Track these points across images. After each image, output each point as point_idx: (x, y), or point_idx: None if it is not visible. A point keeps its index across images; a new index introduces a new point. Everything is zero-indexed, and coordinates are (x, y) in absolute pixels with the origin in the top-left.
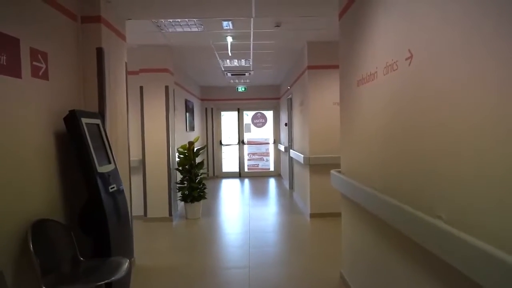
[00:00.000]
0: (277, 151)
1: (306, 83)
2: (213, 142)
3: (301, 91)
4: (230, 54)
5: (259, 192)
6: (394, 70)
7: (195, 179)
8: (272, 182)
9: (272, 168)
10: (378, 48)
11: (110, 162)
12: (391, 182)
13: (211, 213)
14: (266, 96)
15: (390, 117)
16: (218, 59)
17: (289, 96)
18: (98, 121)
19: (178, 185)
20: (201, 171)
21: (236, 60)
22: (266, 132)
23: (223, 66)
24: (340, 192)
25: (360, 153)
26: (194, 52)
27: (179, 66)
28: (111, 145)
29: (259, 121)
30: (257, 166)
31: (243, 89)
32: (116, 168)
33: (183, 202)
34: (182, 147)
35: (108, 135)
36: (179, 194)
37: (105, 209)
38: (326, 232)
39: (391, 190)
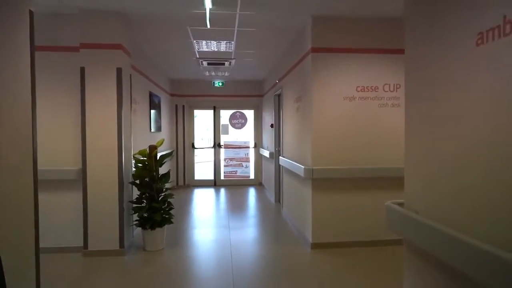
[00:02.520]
0: (258, 156)
1: (308, 71)
2: (184, 145)
3: (299, 83)
4: (208, 26)
5: (239, 207)
6: None
7: (157, 196)
8: (252, 192)
9: (252, 176)
10: None
11: None
12: None
13: (179, 241)
14: (247, 93)
15: None
16: (192, 39)
17: (278, 92)
18: None
19: (133, 205)
20: (167, 185)
21: (214, 43)
22: (246, 135)
23: (198, 51)
24: (407, 243)
25: (475, 183)
26: (159, 25)
27: (140, 47)
28: None
29: (238, 122)
30: (235, 173)
31: (220, 84)
32: None
33: (140, 228)
34: (140, 152)
35: None
36: (135, 217)
37: None
38: (341, 279)
39: None
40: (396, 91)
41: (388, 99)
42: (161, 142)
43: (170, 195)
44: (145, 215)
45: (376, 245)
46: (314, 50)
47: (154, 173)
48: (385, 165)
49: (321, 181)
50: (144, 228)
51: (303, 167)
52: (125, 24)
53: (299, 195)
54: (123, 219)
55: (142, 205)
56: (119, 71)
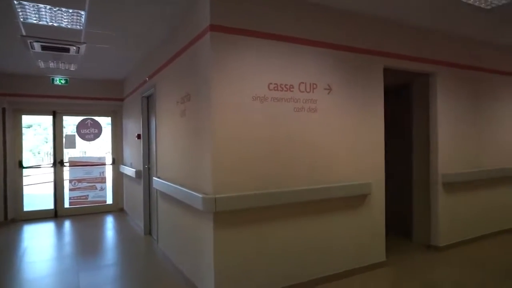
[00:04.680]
0: (118, 175)
1: (204, 57)
2: (7, 164)
3: (187, 77)
4: None
5: (94, 248)
6: None
7: None
8: (112, 223)
9: (110, 201)
10: None
11: None
12: None
13: None
14: (101, 95)
15: None
16: None
17: (148, 93)
18: None
19: None
20: None
21: (51, 12)
22: (100, 148)
23: (25, 24)
24: None
25: None
26: None
27: None
28: None
29: (89, 132)
30: (86, 199)
31: (63, 81)
32: None
33: None
34: None
35: None
36: None
37: None
38: None
39: None
40: (313, 92)
41: (304, 101)
42: None
43: None
44: None
45: (311, 285)
46: (214, 28)
47: None
48: (311, 186)
49: (228, 214)
50: None
51: (200, 196)
52: None
53: (189, 233)
54: None
55: None
56: None
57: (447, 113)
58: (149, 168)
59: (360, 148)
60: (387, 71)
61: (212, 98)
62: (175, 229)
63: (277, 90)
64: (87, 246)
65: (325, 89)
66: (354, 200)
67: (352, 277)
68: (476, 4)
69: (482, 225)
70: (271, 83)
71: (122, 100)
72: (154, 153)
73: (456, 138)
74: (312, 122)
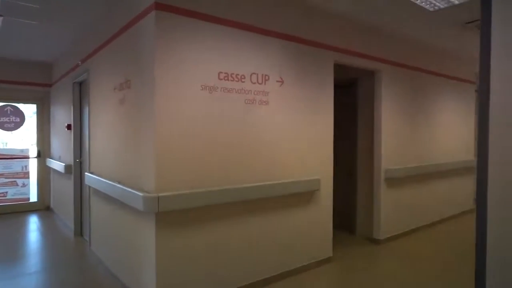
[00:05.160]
0: (44, 170)
1: (147, 39)
2: None
3: (126, 60)
4: None
5: (12, 254)
6: None
7: None
8: (35, 224)
9: (34, 198)
10: None
11: None
12: None
13: None
14: (25, 79)
15: None
16: None
17: (81, 78)
18: None
19: None
20: None
21: None
22: (23, 139)
23: None
24: None
25: None
26: None
27: None
28: None
29: (9, 120)
30: (4, 196)
31: None
32: None
33: None
34: None
35: None
36: None
37: None
38: None
39: None
40: (265, 84)
41: (255, 93)
42: None
43: None
44: None
45: (259, 285)
46: (160, 6)
47: None
48: (262, 182)
49: (172, 215)
50: None
51: (140, 194)
52: None
53: (128, 235)
54: None
55: None
56: None
57: (391, 110)
58: (81, 163)
59: (310, 143)
60: (335, 67)
61: (156, 85)
62: (111, 230)
63: (228, 80)
64: (4, 251)
65: (277, 81)
66: (304, 196)
67: (300, 275)
68: (422, 4)
69: (421, 217)
70: (221, 72)
71: (50, 85)
72: (87, 145)
73: (399, 134)
74: (263, 115)
